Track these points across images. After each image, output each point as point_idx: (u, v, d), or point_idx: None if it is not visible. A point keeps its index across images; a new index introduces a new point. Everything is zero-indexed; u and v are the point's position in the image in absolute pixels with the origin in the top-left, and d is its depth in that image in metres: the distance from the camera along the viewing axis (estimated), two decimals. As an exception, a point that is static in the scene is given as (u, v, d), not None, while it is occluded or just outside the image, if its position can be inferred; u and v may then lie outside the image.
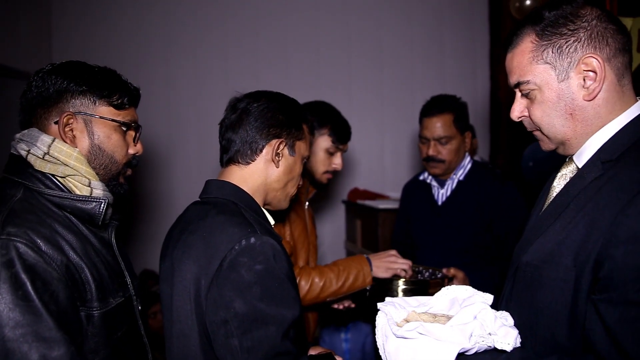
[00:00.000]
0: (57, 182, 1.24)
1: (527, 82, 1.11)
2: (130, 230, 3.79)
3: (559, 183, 1.19)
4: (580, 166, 1.12)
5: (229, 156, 1.43)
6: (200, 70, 3.93)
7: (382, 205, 3.41)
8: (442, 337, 1.04)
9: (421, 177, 2.48)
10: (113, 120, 1.31)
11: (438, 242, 2.33)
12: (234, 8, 3.95)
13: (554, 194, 1.18)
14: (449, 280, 2.00)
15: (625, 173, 0.99)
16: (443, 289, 1.24)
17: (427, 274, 2.04)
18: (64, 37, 3.84)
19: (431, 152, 2.28)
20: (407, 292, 1.88)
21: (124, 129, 1.34)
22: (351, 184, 3.97)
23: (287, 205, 1.52)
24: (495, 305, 1.19)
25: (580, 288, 0.99)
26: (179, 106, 3.94)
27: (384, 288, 1.92)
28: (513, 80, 1.15)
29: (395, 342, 1.09)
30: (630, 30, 2.66)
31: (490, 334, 1.05)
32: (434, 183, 2.40)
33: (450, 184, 2.35)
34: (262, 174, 1.42)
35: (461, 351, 1.04)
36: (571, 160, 1.17)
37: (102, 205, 1.25)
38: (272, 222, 1.45)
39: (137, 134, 1.39)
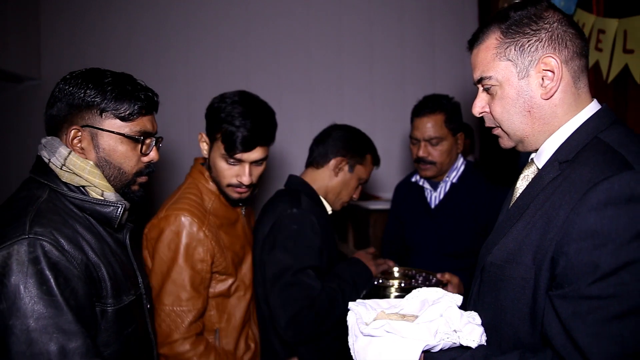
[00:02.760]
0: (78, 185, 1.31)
1: (489, 77, 1.15)
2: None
3: (522, 184, 1.23)
4: (540, 167, 1.15)
5: (310, 160, 2.06)
6: (192, 72, 3.95)
7: (373, 205, 3.42)
8: (407, 335, 1.06)
9: (413, 179, 2.42)
10: (118, 133, 1.33)
11: (432, 246, 2.28)
12: (225, 10, 3.96)
13: (517, 195, 1.21)
14: (444, 286, 1.94)
15: (577, 173, 1.03)
16: (414, 291, 1.25)
17: (420, 278, 1.98)
18: (52, 38, 3.85)
19: (421, 153, 2.23)
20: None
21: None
22: (343, 185, 3.97)
23: (338, 208, 2.09)
24: (464, 306, 1.21)
25: (539, 285, 1.02)
26: (171, 108, 3.95)
27: (377, 295, 1.90)
28: (476, 75, 1.19)
29: (364, 340, 1.10)
30: (617, 31, 2.67)
31: (455, 331, 1.07)
32: (426, 186, 2.35)
33: (444, 187, 2.30)
34: (325, 178, 2.02)
35: (426, 348, 1.06)
36: (532, 161, 1.21)
37: (120, 210, 1.32)
38: (329, 210, 2.05)
39: (149, 143, 1.39)
